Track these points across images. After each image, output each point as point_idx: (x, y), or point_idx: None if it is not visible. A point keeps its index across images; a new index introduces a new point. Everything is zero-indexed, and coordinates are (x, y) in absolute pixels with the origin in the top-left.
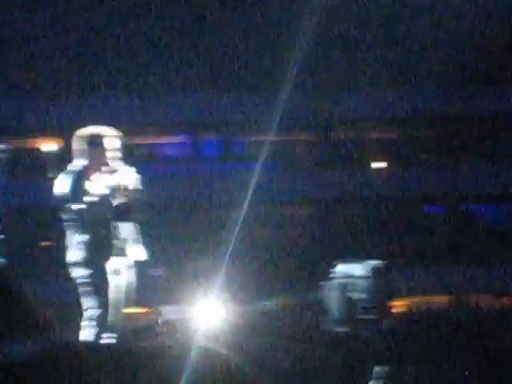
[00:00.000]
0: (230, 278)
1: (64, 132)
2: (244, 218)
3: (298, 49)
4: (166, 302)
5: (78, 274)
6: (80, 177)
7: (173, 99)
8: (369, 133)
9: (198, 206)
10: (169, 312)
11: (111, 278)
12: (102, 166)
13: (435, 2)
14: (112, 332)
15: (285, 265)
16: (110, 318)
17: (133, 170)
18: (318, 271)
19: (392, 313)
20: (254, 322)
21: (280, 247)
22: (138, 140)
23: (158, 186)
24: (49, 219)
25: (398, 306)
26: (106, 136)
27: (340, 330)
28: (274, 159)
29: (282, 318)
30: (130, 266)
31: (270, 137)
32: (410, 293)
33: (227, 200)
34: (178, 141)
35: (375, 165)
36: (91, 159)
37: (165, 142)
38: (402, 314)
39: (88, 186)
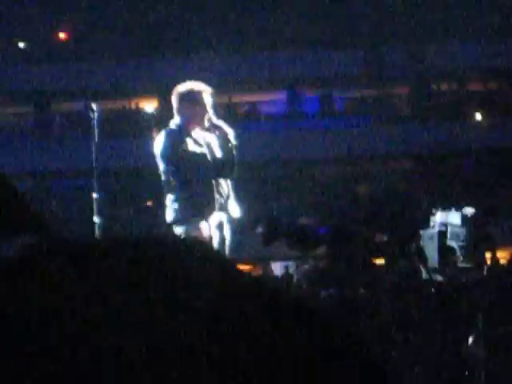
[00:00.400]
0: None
1: (163, 91)
2: (345, 173)
3: (397, 4)
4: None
5: (179, 232)
6: (179, 133)
7: (271, 56)
8: (468, 84)
9: (299, 163)
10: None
11: (215, 233)
12: (201, 122)
13: None
14: None
15: (385, 217)
16: None
17: (228, 126)
18: (418, 220)
19: (491, 262)
20: (356, 274)
21: (380, 199)
22: (238, 97)
23: (259, 144)
24: (149, 178)
25: (497, 255)
26: (204, 92)
27: (438, 278)
28: (373, 114)
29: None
30: (231, 221)
31: (369, 91)
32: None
33: (327, 156)
34: (277, 98)
35: (475, 117)
36: (190, 115)
37: (265, 99)
38: (500, 263)
39: (188, 142)
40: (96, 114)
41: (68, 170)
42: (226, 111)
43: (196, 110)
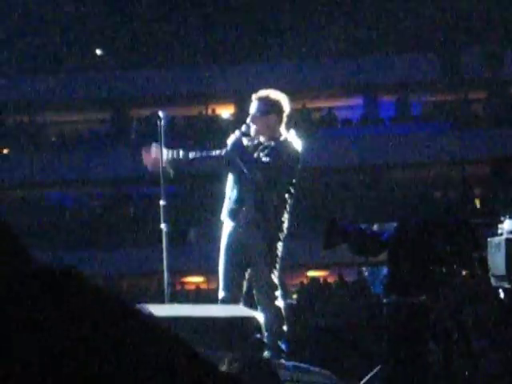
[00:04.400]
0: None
1: (239, 97)
2: (421, 178)
3: (474, 7)
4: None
5: None
6: (246, 140)
7: (347, 61)
8: None
9: (376, 168)
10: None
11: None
12: (271, 131)
13: None
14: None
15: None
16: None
17: (295, 135)
18: (484, 227)
19: None
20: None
21: (450, 205)
22: (314, 103)
23: (336, 149)
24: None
25: None
26: (281, 100)
27: (506, 285)
28: (450, 119)
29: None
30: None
31: (446, 96)
32: None
33: (403, 161)
34: (353, 103)
35: None
36: (263, 123)
37: (341, 104)
38: None
39: (252, 149)
40: (163, 121)
41: (141, 177)
42: (301, 117)
43: (268, 119)
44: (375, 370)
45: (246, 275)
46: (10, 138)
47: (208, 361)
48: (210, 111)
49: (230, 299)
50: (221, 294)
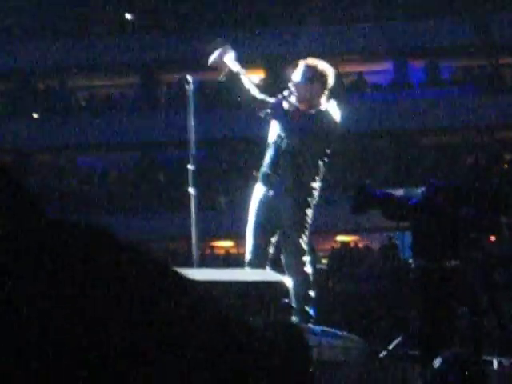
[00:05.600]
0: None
1: (269, 62)
2: (450, 143)
3: None
4: None
5: None
6: (287, 104)
7: (377, 25)
8: None
9: (406, 132)
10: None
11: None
12: (313, 100)
13: None
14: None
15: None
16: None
17: (335, 103)
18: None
19: None
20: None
21: (479, 170)
22: (344, 68)
23: (366, 113)
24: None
25: None
26: (326, 72)
27: None
28: (480, 83)
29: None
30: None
31: (476, 61)
32: None
33: (433, 126)
34: (383, 67)
35: None
36: (306, 91)
37: (371, 69)
38: None
39: (291, 115)
40: (192, 86)
41: (170, 141)
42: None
43: (315, 88)
44: (399, 339)
45: (273, 240)
46: (40, 103)
47: (244, 323)
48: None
49: (256, 263)
50: (247, 257)
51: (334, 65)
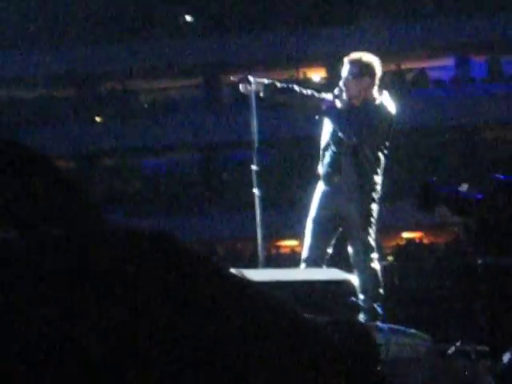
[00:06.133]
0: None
1: (328, 61)
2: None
3: None
4: None
5: None
6: (340, 102)
7: (438, 21)
8: None
9: (468, 128)
10: None
11: None
12: (365, 94)
13: None
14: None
15: None
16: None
17: (387, 94)
18: None
19: None
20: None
21: None
22: (406, 64)
23: (428, 109)
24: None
25: None
26: (374, 62)
27: None
28: None
29: None
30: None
31: None
32: None
33: (496, 121)
34: (445, 63)
35: None
36: (356, 86)
37: (432, 64)
38: None
39: (345, 112)
40: (253, 86)
41: (234, 142)
42: (395, 78)
43: (363, 81)
44: (459, 343)
45: (333, 239)
46: (103, 106)
47: (309, 322)
48: (301, 75)
49: (312, 260)
50: (304, 255)
51: (396, 61)
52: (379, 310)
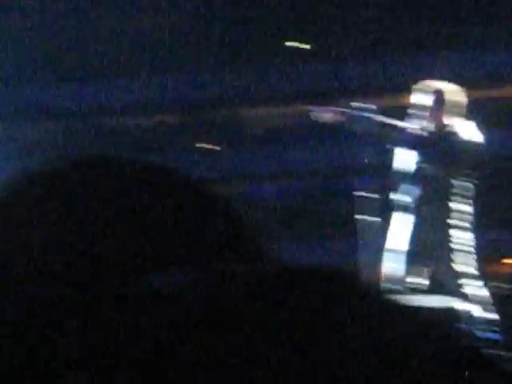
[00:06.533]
0: None
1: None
2: None
3: None
4: None
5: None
6: (420, 134)
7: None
8: None
9: None
10: None
11: None
12: (440, 123)
13: None
14: None
15: None
16: None
17: (472, 124)
18: None
19: None
20: None
21: None
22: (494, 94)
23: None
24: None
25: None
26: (446, 91)
27: None
28: None
29: None
30: None
31: None
32: None
33: None
34: None
35: None
36: (429, 115)
37: None
38: None
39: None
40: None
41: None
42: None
43: (435, 111)
44: None
45: (423, 267)
46: (212, 135)
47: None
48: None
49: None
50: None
51: (479, 91)
52: (489, 335)
